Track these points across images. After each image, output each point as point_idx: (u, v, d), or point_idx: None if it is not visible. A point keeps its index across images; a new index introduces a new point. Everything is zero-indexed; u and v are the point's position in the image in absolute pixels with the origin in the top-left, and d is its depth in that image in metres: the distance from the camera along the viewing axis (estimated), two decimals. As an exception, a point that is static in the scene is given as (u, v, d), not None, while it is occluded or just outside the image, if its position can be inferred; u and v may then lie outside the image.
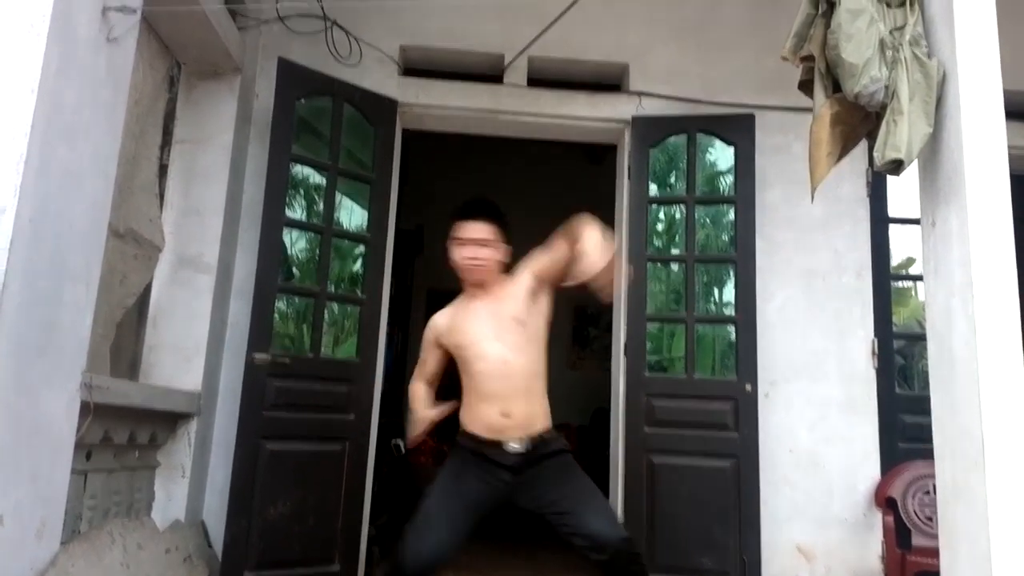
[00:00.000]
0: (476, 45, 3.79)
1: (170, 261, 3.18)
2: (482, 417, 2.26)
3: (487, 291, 2.33)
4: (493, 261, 2.32)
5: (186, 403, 3.03)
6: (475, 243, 2.29)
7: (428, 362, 2.41)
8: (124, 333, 3.02)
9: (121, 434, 2.63)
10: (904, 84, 2.03)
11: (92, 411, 2.18)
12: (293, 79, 3.36)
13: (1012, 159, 1.96)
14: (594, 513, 2.18)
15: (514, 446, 2.21)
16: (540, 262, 2.30)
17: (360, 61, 3.56)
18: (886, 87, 2.04)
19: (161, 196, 3.20)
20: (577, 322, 6.99)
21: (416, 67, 3.84)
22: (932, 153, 2.07)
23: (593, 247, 2.05)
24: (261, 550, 3.02)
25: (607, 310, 3.82)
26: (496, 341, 2.26)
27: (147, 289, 3.13)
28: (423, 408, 2.34)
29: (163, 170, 3.22)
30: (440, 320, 2.40)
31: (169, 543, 2.81)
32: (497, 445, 2.22)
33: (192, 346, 3.13)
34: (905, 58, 2.05)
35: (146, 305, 3.14)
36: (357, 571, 3.29)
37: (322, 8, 3.37)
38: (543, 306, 2.33)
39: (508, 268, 2.36)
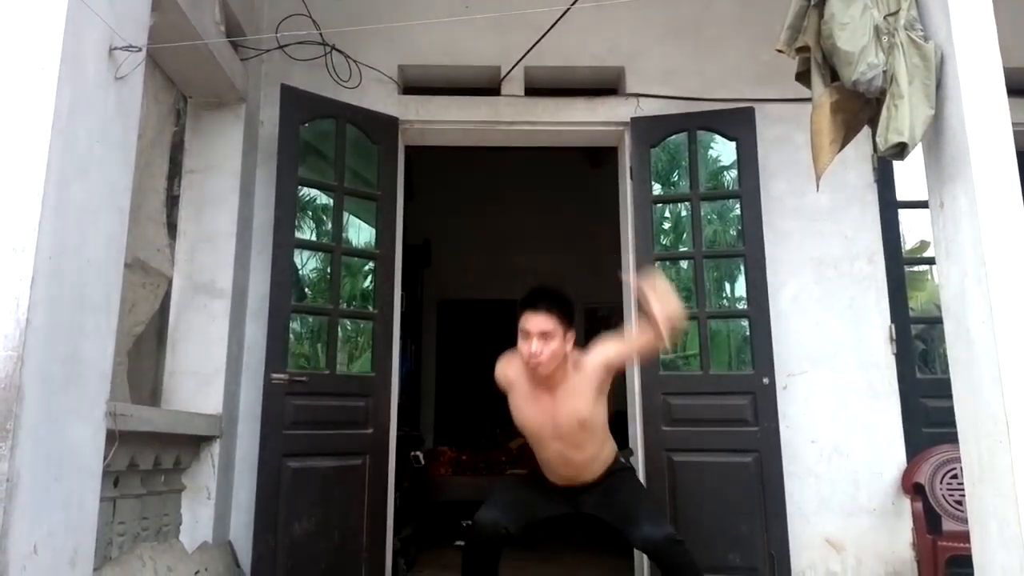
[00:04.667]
0: (472, 59, 3.83)
1: (186, 288, 3.22)
2: (547, 474, 2.52)
3: (552, 382, 2.35)
4: (557, 354, 2.29)
5: (208, 426, 3.07)
6: (538, 336, 2.26)
7: None
8: (144, 360, 3.06)
9: (147, 459, 2.66)
10: (902, 68, 2.03)
11: (118, 438, 2.21)
12: (296, 104, 3.41)
13: (1016, 136, 1.96)
14: (645, 517, 2.36)
15: (583, 482, 2.49)
16: (618, 352, 2.37)
17: (360, 83, 3.60)
18: (884, 72, 2.04)
19: (174, 225, 3.25)
20: (589, 325, 6.96)
21: (415, 84, 3.88)
22: (936, 134, 2.07)
23: (672, 307, 2.23)
24: (288, 567, 3.04)
25: (618, 311, 3.82)
26: (556, 441, 2.39)
27: (165, 316, 3.17)
28: None
29: (174, 200, 3.26)
30: (506, 374, 2.47)
31: (198, 564, 2.83)
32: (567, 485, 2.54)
33: (211, 370, 3.16)
34: (901, 42, 2.06)
35: (164, 332, 3.18)
36: (384, 584, 3.30)
37: (320, 35, 3.42)
38: (607, 385, 2.38)
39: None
